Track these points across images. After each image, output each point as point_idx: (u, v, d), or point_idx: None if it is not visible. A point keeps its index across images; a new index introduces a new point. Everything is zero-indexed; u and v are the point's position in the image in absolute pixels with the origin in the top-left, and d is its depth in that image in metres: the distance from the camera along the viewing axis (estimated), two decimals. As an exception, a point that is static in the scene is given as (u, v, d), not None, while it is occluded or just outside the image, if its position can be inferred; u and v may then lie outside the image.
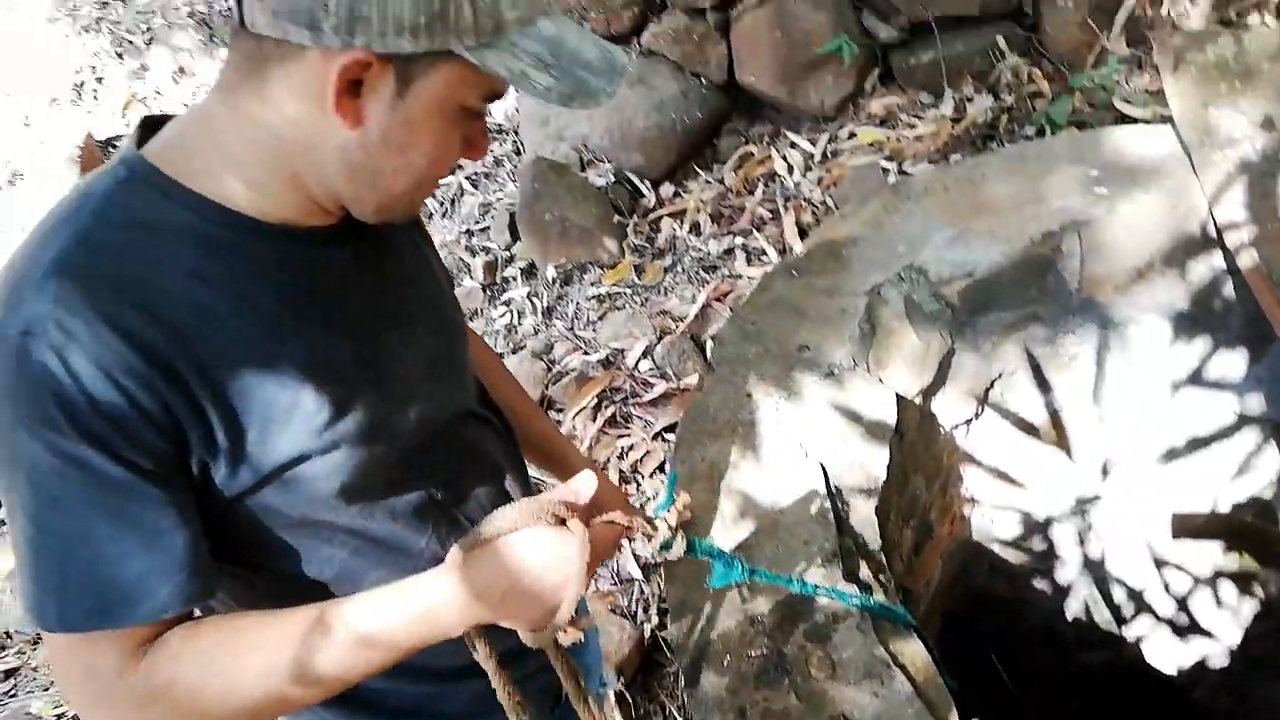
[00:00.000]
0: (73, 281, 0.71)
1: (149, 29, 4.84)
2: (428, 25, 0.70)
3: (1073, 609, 2.62)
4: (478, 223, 3.32)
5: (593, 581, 2.18)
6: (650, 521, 0.97)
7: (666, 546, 0.98)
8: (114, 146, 4.36)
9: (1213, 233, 1.95)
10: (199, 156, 0.78)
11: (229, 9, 0.76)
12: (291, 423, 0.80)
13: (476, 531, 0.83)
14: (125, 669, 0.75)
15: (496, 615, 0.83)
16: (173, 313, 0.74)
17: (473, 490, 1.00)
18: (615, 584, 2.14)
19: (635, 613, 2.07)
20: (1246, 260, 1.83)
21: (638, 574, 2.13)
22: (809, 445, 1.59)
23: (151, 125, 0.83)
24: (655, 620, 2.02)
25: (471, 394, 1.06)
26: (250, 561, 0.87)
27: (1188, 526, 2.41)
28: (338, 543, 0.89)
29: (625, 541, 1.00)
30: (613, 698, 1.81)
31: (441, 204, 3.46)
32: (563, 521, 0.84)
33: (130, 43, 4.83)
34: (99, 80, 4.79)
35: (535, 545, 0.82)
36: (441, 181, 3.62)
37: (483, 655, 0.89)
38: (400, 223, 0.92)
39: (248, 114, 0.76)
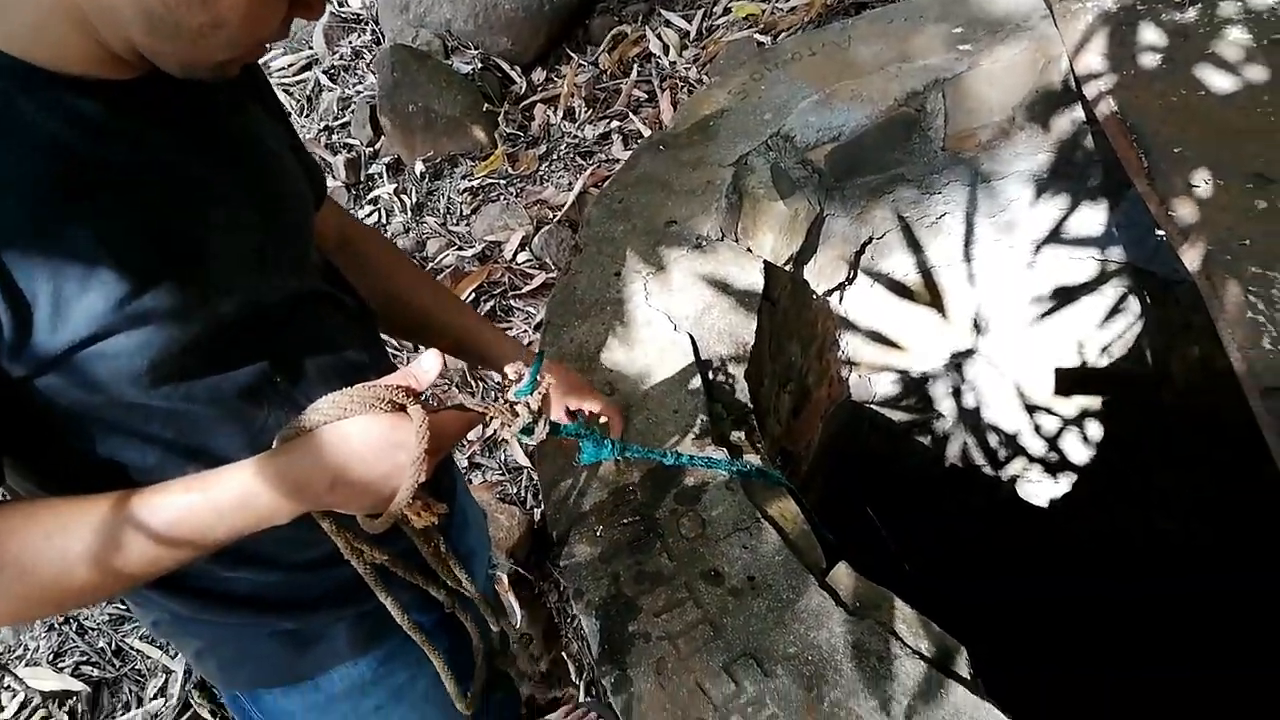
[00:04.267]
0: None
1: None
2: None
3: (951, 458, 2.75)
4: (337, 119, 3.11)
5: (481, 473, 2.16)
6: (511, 406, 0.92)
7: (528, 431, 0.93)
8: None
9: (1073, 84, 1.97)
10: None
11: None
12: (87, 295, 0.71)
13: (304, 417, 0.78)
14: None
15: (325, 503, 0.79)
16: None
17: (317, 373, 0.92)
18: (504, 473, 2.13)
19: (525, 499, 2.07)
20: (1104, 108, 1.86)
21: (525, 461, 2.12)
22: (678, 318, 1.57)
23: None
24: (545, 505, 2.02)
25: (314, 278, 0.97)
26: (54, 447, 0.80)
27: (1068, 381, 2.52)
28: (155, 426, 0.81)
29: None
30: (505, 580, 1.82)
31: (298, 101, 3.23)
32: (402, 408, 0.80)
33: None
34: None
35: (365, 432, 0.77)
36: (297, 76, 3.43)
37: (330, 530, 0.86)
38: (217, 82, 0.81)
39: None
